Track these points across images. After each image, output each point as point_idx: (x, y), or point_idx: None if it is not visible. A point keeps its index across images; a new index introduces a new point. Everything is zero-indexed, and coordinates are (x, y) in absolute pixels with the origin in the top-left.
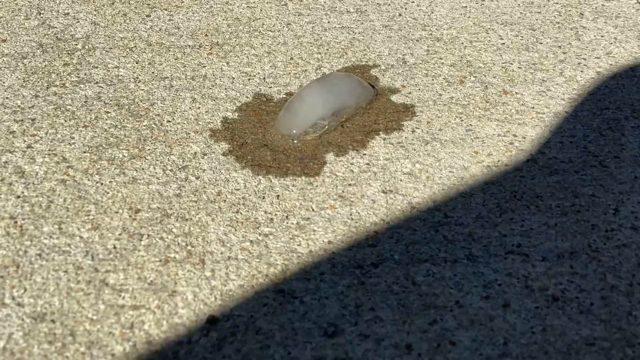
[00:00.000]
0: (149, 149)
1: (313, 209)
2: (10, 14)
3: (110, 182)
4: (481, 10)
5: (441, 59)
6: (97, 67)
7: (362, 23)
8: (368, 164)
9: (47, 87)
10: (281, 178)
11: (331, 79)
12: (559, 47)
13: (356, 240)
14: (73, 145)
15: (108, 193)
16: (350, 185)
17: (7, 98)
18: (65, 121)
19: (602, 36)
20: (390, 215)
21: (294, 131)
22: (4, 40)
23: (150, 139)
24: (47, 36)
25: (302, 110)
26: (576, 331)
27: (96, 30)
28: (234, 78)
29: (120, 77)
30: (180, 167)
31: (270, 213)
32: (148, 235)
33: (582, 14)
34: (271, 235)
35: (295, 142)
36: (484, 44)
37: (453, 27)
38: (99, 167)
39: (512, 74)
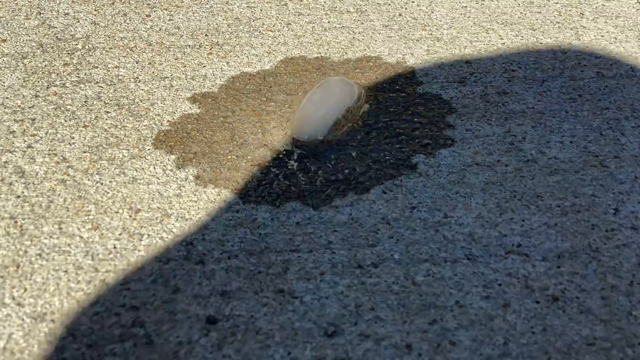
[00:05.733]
0: (149, 149)
1: (313, 209)
2: (10, 14)
3: (110, 182)
4: (481, 10)
5: (441, 58)
6: (97, 67)
7: (362, 23)
8: (368, 163)
9: (47, 87)
10: (281, 178)
11: (331, 84)
12: (559, 47)
13: (356, 240)
14: (73, 145)
15: (108, 193)
16: (350, 184)
17: (7, 98)
18: (65, 121)
19: (602, 36)
20: (390, 215)
21: (307, 138)
22: (4, 40)
23: (150, 139)
24: (47, 36)
25: (315, 120)
26: (576, 331)
27: (96, 30)
28: (234, 78)
29: (120, 77)
30: (180, 166)
31: (270, 212)
32: (148, 235)
33: (582, 14)
34: (271, 235)
35: (295, 141)
36: (484, 44)
37: (453, 27)
38: (99, 167)
39: (512, 74)
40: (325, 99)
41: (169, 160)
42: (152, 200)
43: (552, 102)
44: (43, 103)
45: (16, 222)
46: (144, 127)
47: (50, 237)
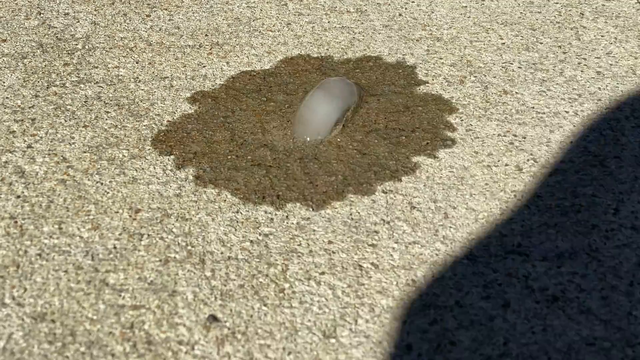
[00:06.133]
0: (149, 149)
1: (313, 209)
2: (11, 14)
3: (110, 182)
4: (481, 10)
5: (441, 58)
6: (97, 67)
7: (362, 23)
8: (368, 163)
9: (47, 87)
10: (281, 178)
11: (330, 85)
12: (559, 47)
13: (357, 240)
14: (73, 145)
15: (108, 193)
16: (350, 184)
17: (7, 98)
18: (65, 121)
19: (602, 36)
20: (390, 215)
21: (308, 139)
22: (4, 40)
23: (150, 139)
24: (47, 36)
25: (316, 120)
26: (576, 331)
27: (96, 30)
28: (234, 78)
29: (120, 77)
30: (180, 166)
31: (270, 213)
32: (148, 235)
33: (582, 14)
34: (271, 235)
35: (295, 141)
36: (484, 44)
37: (453, 27)
38: (99, 167)
39: (512, 74)
40: (325, 99)
41: (169, 160)
42: (152, 200)
43: (552, 102)
44: (43, 103)
45: (16, 222)
46: (144, 127)
47: (50, 237)
